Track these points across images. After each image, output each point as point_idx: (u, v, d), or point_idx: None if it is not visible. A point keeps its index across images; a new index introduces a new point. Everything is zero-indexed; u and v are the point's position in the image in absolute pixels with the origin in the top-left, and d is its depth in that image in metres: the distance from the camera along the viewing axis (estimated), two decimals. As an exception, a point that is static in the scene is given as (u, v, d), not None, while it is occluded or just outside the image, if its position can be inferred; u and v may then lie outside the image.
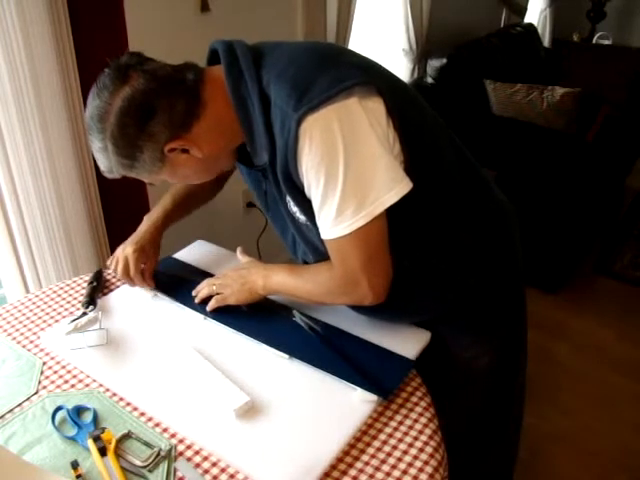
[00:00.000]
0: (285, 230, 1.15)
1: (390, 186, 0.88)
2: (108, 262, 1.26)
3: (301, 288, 1.08)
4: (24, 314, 1.22)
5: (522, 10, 4.10)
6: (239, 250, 1.28)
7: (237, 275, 1.17)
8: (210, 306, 1.17)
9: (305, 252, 1.13)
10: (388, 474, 0.88)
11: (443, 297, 1.11)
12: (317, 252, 1.06)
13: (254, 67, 0.92)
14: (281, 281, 1.11)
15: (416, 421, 0.97)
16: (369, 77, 0.90)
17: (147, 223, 1.28)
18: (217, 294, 1.18)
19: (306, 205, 0.95)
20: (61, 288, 1.30)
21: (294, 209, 1.00)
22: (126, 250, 1.22)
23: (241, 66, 0.93)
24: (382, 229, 0.92)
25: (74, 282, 1.32)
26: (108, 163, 0.95)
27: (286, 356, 1.09)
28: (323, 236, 0.95)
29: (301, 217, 1.01)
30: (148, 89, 0.89)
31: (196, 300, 1.20)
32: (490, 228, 1.12)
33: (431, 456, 0.91)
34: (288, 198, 0.99)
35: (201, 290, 1.21)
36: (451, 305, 1.13)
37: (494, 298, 1.16)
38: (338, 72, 0.89)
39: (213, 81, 0.94)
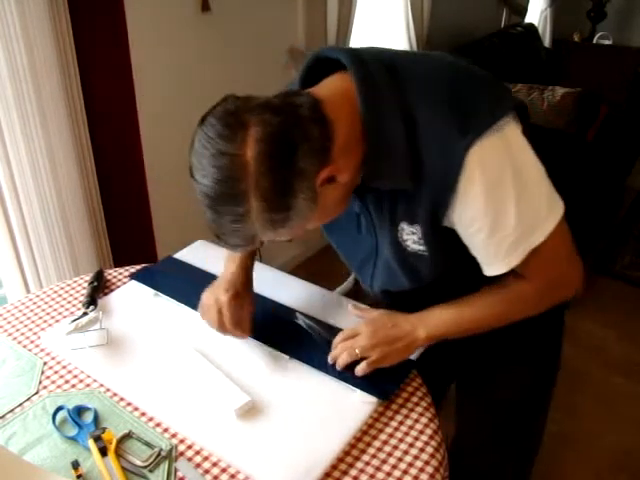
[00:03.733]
0: (369, 257, 1.04)
1: (553, 206, 0.88)
2: (199, 311, 1.12)
3: (482, 315, 0.99)
4: (25, 314, 1.22)
5: (523, 10, 4.10)
6: (351, 307, 1.16)
7: (383, 335, 1.02)
8: (361, 371, 1.01)
9: (394, 279, 1.02)
10: (389, 474, 0.88)
11: None
12: (415, 280, 0.99)
13: (393, 84, 0.83)
14: (445, 318, 1.00)
15: (417, 421, 0.97)
16: (516, 101, 0.86)
17: (233, 264, 1.13)
18: (363, 358, 1.02)
19: (436, 237, 0.90)
20: (62, 288, 1.30)
21: (406, 237, 0.93)
22: (219, 298, 1.08)
23: (377, 82, 0.83)
24: (564, 230, 0.90)
25: (75, 282, 1.32)
26: (247, 232, 0.80)
27: (286, 356, 1.09)
28: (499, 265, 0.89)
29: (414, 246, 0.93)
30: (277, 122, 0.75)
31: (338, 367, 1.04)
32: None
33: (432, 456, 0.91)
34: (404, 225, 0.92)
35: (339, 356, 1.03)
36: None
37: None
38: (492, 92, 0.85)
39: (330, 98, 0.82)
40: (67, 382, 1.04)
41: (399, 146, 0.83)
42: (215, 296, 1.09)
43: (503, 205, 0.83)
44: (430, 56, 0.92)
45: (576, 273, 0.96)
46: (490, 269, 0.91)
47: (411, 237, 0.93)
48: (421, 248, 0.93)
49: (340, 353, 1.03)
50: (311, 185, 0.79)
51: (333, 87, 0.85)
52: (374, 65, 0.84)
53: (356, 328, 1.05)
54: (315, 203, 0.81)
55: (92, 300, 1.20)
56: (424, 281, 0.98)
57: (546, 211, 0.87)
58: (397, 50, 0.93)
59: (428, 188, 0.84)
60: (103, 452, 0.88)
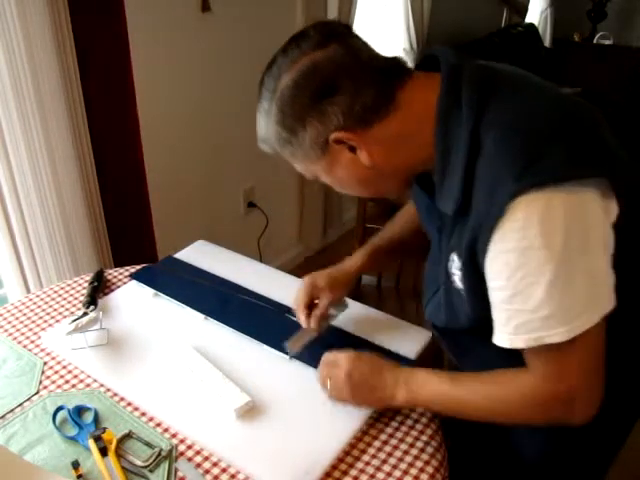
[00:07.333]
0: (434, 278, 0.95)
1: (594, 304, 0.73)
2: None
3: (468, 400, 0.86)
4: (25, 314, 1.22)
5: (523, 10, 4.10)
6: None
7: (361, 379, 0.94)
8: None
9: (437, 312, 0.94)
10: (389, 474, 0.88)
11: None
12: (453, 320, 0.90)
13: (477, 101, 0.75)
14: (430, 390, 0.89)
15: (417, 421, 0.97)
16: (623, 168, 0.73)
17: (346, 261, 1.16)
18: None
19: (472, 280, 0.80)
20: (62, 288, 1.30)
21: (455, 271, 0.83)
22: (304, 278, 1.13)
23: (461, 94, 0.76)
24: (598, 336, 0.75)
25: (75, 282, 1.32)
26: (265, 131, 0.84)
27: (286, 356, 1.09)
28: (503, 337, 0.77)
29: (459, 283, 0.83)
30: (341, 62, 0.77)
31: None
32: None
33: (432, 456, 0.91)
34: (454, 257, 0.82)
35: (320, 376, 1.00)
36: None
37: None
38: (583, 147, 0.71)
39: (418, 89, 0.80)
40: (67, 382, 1.04)
41: (457, 170, 0.75)
42: (307, 276, 1.13)
43: (534, 276, 0.71)
44: (542, 90, 0.81)
45: (593, 395, 0.78)
46: (496, 336, 0.79)
47: (457, 273, 0.83)
48: (462, 287, 0.83)
49: (320, 370, 0.99)
50: (322, 131, 0.79)
51: (421, 82, 0.80)
52: (470, 79, 0.78)
53: (339, 357, 0.97)
54: (322, 152, 0.81)
55: (92, 300, 1.20)
56: (460, 324, 0.88)
57: (583, 307, 0.72)
58: (520, 73, 0.84)
59: (472, 224, 0.75)
60: (103, 452, 0.88)
